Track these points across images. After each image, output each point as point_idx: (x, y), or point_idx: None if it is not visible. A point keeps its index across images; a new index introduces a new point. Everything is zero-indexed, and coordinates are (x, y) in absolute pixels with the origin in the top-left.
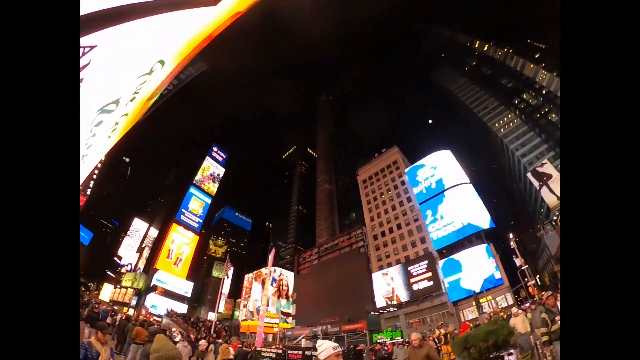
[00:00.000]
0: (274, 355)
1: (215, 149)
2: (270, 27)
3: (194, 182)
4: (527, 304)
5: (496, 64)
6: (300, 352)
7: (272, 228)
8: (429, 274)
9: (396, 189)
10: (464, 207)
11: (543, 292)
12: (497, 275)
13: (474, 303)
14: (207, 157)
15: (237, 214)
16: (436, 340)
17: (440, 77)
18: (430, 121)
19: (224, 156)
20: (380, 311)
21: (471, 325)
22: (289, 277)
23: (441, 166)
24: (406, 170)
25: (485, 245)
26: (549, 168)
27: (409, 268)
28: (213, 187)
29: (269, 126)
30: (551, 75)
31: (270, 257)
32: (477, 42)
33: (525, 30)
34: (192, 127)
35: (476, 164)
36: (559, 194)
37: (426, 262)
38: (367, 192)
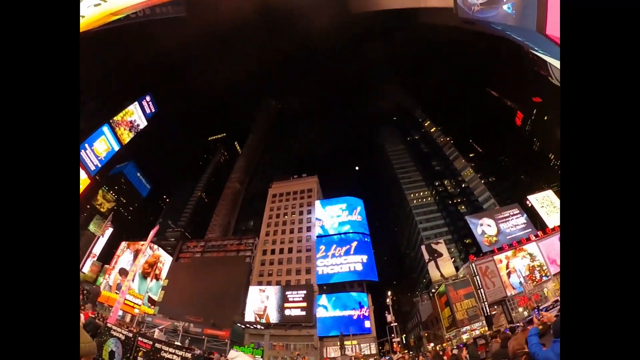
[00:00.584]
0: (122, 337)
1: (148, 98)
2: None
3: (110, 120)
4: (388, 357)
5: (435, 146)
6: (151, 343)
7: (168, 204)
8: (304, 304)
9: (301, 214)
10: (356, 255)
11: (405, 350)
12: (367, 324)
13: (339, 343)
14: (136, 103)
15: (139, 174)
16: None
17: (383, 134)
18: (357, 168)
19: (153, 110)
20: (248, 325)
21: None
22: (166, 260)
23: (350, 211)
24: (318, 201)
25: (364, 294)
26: (442, 247)
27: (287, 292)
28: (127, 136)
29: (209, 101)
30: (475, 175)
31: (152, 233)
32: (428, 121)
33: (471, 131)
34: (140, 64)
35: (381, 220)
36: (442, 272)
37: (305, 292)
38: (272, 207)
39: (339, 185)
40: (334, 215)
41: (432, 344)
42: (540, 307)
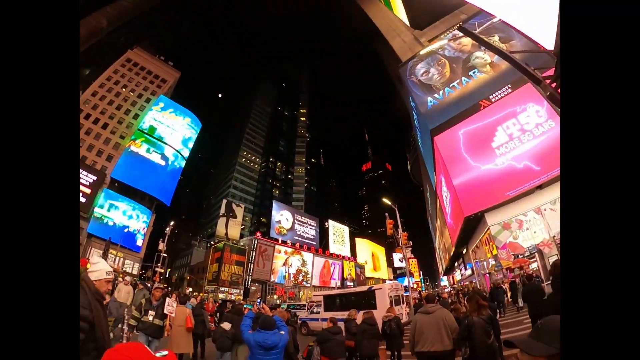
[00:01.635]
0: None
1: None
2: None
3: None
4: (142, 283)
5: (293, 131)
6: None
7: None
8: (89, 191)
9: (139, 98)
10: (163, 170)
11: (165, 285)
12: (139, 242)
13: (103, 248)
14: None
15: None
16: None
17: (263, 88)
18: (220, 95)
19: None
20: None
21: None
22: None
23: (188, 128)
24: (163, 97)
25: (150, 212)
26: (239, 211)
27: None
28: None
29: None
30: (303, 176)
31: None
32: (305, 110)
33: (327, 146)
34: None
35: (206, 154)
36: (228, 232)
37: (95, 177)
38: (118, 70)
39: (193, 98)
40: (171, 122)
41: (190, 289)
42: (288, 304)
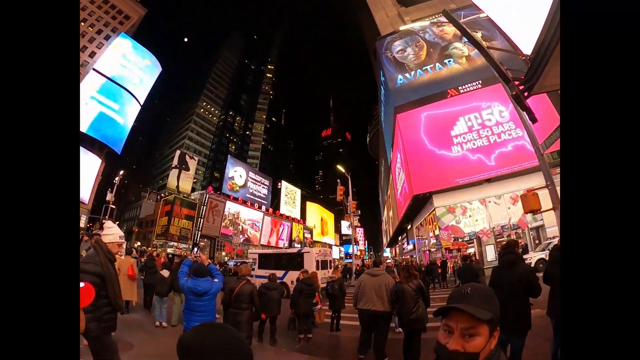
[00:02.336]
0: None
1: None
2: None
3: None
4: (87, 234)
5: (257, 87)
6: None
7: None
8: None
9: (99, 34)
10: (119, 114)
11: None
12: (86, 194)
13: None
14: None
15: None
16: None
17: (231, 40)
18: (185, 40)
19: None
20: None
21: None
22: None
23: (151, 72)
24: (127, 35)
25: (99, 160)
26: (192, 164)
27: None
28: None
29: None
30: (262, 134)
31: None
32: (272, 67)
33: (292, 108)
34: None
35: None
36: (179, 184)
37: None
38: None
39: (157, 40)
40: (131, 62)
41: (138, 243)
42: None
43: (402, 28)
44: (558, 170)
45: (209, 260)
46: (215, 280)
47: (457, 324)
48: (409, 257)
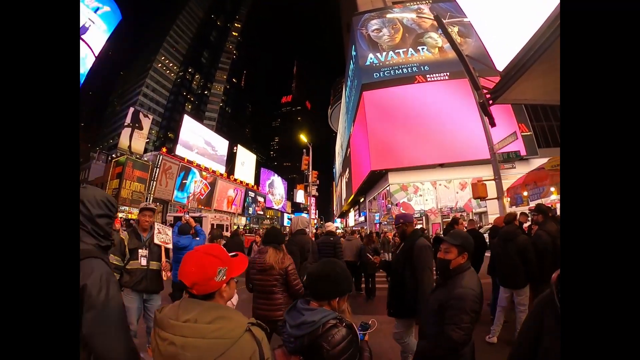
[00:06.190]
0: None
1: None
2: None
3: None
4: None
5: (220, 45)
6: None
7: None
8: None
9: None
10: None
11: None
12: None
13: None
14: None
15: None
16: None
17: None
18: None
19: None
20: None
21: None
22: None
23: (109, 25)
24: None
25: None
26: (146, 123)
27: None
28: None
29: None
30: (221, 95)
31: None
32: (239, 25)
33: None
34: None
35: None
36: (132, 145)
37: None
38: None
39: None
40: (88, 7)
41: None
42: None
43: (381, 9)
44: (505, 166)
45: (196, 223)
46: (197, 238)
47: (443, 247)
48: (360, 227)
